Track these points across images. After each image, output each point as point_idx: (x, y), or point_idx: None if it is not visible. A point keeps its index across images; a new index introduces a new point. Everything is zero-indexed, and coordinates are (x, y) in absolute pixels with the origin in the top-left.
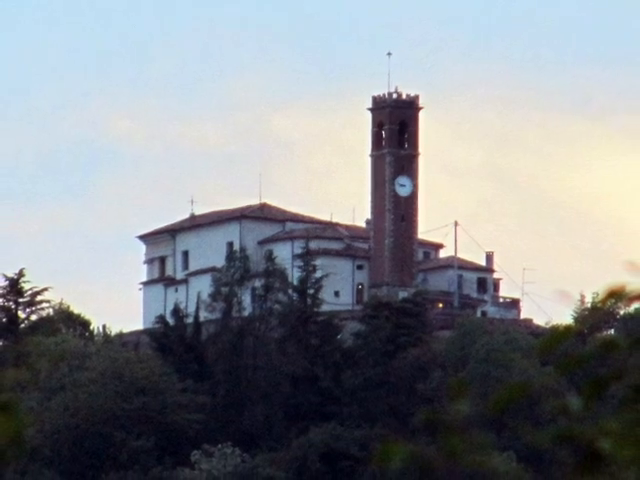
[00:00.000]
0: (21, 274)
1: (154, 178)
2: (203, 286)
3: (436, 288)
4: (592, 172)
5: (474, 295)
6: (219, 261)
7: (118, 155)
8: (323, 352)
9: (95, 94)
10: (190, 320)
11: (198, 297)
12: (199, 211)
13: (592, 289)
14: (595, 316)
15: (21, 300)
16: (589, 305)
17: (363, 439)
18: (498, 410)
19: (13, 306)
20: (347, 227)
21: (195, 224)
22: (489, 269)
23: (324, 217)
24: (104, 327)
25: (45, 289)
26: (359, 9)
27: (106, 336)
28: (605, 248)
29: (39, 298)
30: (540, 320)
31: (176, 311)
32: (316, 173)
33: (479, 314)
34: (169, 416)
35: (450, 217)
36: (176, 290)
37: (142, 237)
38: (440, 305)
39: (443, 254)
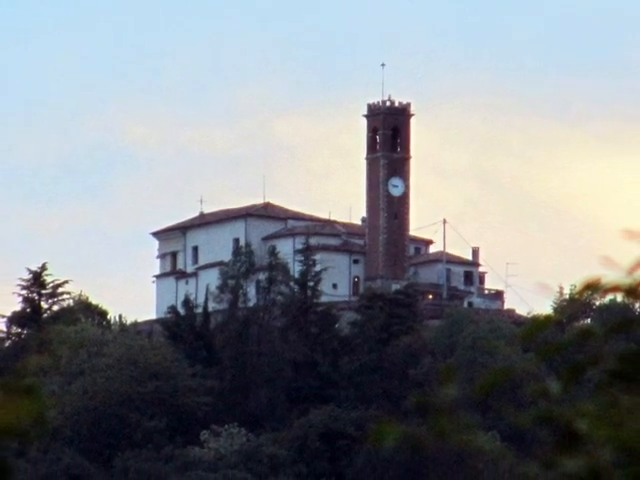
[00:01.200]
0: (44, 268)
1: (166, 179)
2: (211, 279)
3: (426, 281)
4: (570, 174)
5: (461, 287)
6: (226, 256)
7: (133, 158)
8: (322, 340)
9: (111, 102)
10: (199, 310)
11: (207, 289)
12: (208, 210)
13: (570, 282)
14: (573, 307)
15: (44, 292)
16: (567, 296)
17: (359, 420)
18: (483, 393)
19: (36, 297)
20: (344, 224)
21: (204, 222)
22: (475, 263)
23: (323, 215)
24: (120, 317)
25: (66, 282)
26: (355, 23)
27: (122, 325)
28: (582, 244)
29: (60, 290)
30: (522, 310)
31: (186, 302)
32: (316, 175)
33: (466, 305)
34: (180, 399)
35: (439, 215)
36: (186, 283)
37: (155, 234)
38: (430, 296)
39: (433, 249)
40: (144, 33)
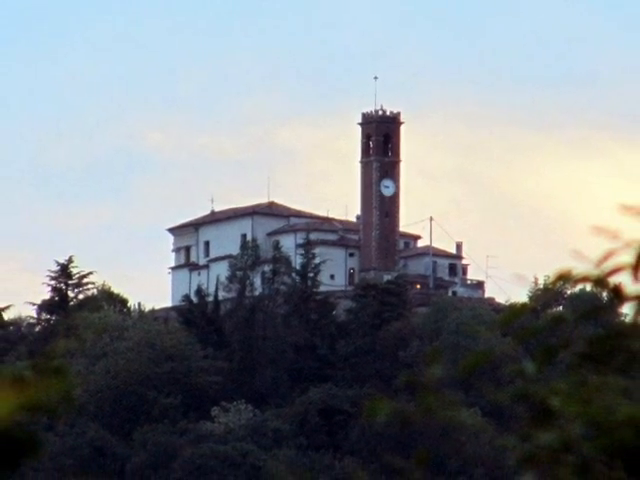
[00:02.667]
0: (70, 260)
1: (180, 181)
2: (221, 270)
3: (414, 272)
4: (544, 176)
5: (446, 278)
6: (235, 250)
7: (150, 162)
8: (321, 325)
9: (131, 111)
10: (211, 299)
11: (217, 280)
12: (218, 208)
13: (544, 273)
14: (547, 295)
15: (70, 282)
16: (542, 286)
17: (354, 397)
18: (466, 373)
19: (64, 287)
20: (341, 221)
21: (215, 219)
22: (459, 256)
23: (322, 213)
24: (139, 304)
25: (90, 273)
26: (350, 41)
27: (141, 312)
28: (555, 239)
29: (85, 280)
30: (501, 299)
31: (199, 291)
32: (315, 176)
33: (450, 294)
34: (193, 378)
35: (426, 213)
36: (199, 274)
37: (170, 230)
38: (418, 286)
39: (420, 244)
40: (161, 50)
